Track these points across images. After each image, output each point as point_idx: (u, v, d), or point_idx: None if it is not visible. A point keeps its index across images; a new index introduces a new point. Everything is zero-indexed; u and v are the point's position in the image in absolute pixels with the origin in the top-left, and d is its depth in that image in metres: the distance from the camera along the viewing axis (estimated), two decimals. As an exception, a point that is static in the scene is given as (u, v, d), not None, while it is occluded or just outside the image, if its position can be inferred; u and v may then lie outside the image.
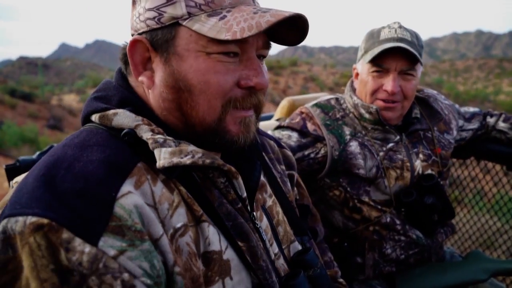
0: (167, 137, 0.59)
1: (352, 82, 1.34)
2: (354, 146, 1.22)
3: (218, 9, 0.58)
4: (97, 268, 0.48)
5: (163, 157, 0.56)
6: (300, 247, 0.77)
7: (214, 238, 0.60)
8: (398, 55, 1.15)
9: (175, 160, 0.56)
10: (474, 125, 1.43)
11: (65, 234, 0.47)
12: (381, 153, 1.24)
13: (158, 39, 0.59)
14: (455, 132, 1.37)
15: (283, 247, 0.74)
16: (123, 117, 0.60)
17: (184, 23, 0.58)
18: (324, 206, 1.32)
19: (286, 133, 1.25)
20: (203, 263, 0.58)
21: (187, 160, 0.57)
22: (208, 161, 0.58)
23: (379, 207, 1.24)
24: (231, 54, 0.59)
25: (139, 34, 0.61)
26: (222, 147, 0.64)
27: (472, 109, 1.48)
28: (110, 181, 0.53)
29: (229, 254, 0.61)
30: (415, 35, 1.20)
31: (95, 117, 0.62)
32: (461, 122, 1.42)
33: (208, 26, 0.57)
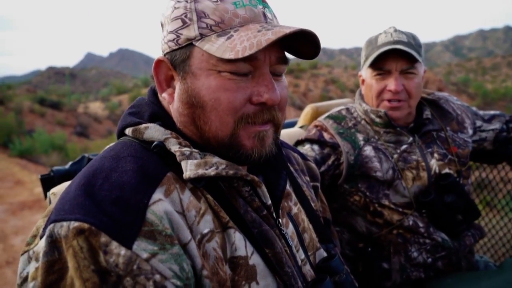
0: (193, 150, 0.63)
1: (360, 90, 1.39)
2: (368, 150, 1.26)
3: (227, 29, 0.62)
4: (131, 269, 0.51)
5: (189, 168, 0.61)
6: (325, 255, 0.78)
7: (240, 244, 0.62)
8: (396, 56, 1.22)
9: (200, 171, 0.60)
10: (495, 125, 1.42)
11: (103, 238, 0.52)
12: (395, 156, 1.26)
13: (177, 59, 0.65)
14: (470, 131, 1.37)
15: (309, 253, 0.75)
16: (153, 131, 0.65)
17: (196, 44, 0.62)
18: (347, 212, 1.33)
19: (307, 147, 1.30)
20: (230, 268, 0.61)
21: (211, 171, 0.61)
22: (231, 172, 0.62)
23: (400, 209, 1.24)
24: (241, 72, 0.61)
25: (164, 54, 0.68)
26: (237, 160, 0.65)
27: (492, 112, 1.47)
28: (143, 189, 0.57)
29: (255, 260, 0.63)
30: (411, 36, 1.26)
31: (128, 131, 0.68)
32: (479, 123, 1.41)
33: (216, 46, 0.60)
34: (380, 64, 1.23)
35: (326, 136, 1.28)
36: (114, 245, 0.51)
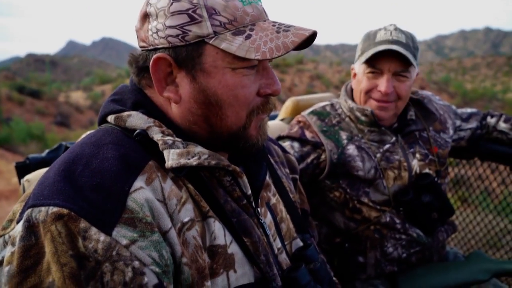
0: (176, 139, 0.63)
1: (347, 85, 1.38)
2: (351, 149, 1.26)
3: (241, 27, 0.62)
4: (110, 255, 0.52)
5: (171, 158, 0.61)
6: (301, 244, 0.81)
7: (220, 233, 0.64)
8: (391, 57, 1.19)
9: (182, 161, 0.61)
10: (472, 124, 1.45)
11: (83, 224, 0.52)
12: (378, 155, 1.27)
13: (183, 56, 0.62)
14: (451, 131, 1.40)
15: (286, 243, 0.78)
16: (136, 119, 0.64)
17: (210, 42, 0.61)
18: (326, 207, 1.35)
19: (287, 143, 1.30)
20: (208, 256, 0.62)
21: (193, 161, 0.61)
22: (213, 162, 0.63)
23: (378, 207, 1.27)
24: (252, 67, 0.64)
25: (158, 49, 0.63)
26: (245, 149, 0.69)
27: (470, 110, 1.50)
28: (124, 177, 0.57)
29: (234, 249, 0.64)
30: (410, 37, 1.23)
31: (110, 118, 0.67)
32: (458, 122, 1.45)
33: (236, 45, 0.60)
34: (374, 63, 1.21)
35: (308, 134, 1.28)
36: (94, 231, 0.52)
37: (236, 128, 0.66)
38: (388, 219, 1.26)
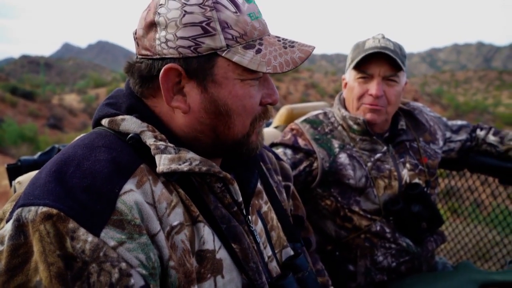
0: (169, 144, 0.64)
1: (340, 95, 1.40)
2: (343, 158, 1.27)
3: (251, 41, 0.64)
4: (98, 256, 0.52)
5: (162, 163, 0.61)
6: (292, 253, 0.81)
7: (209, 238, 0.64)
8: (381, 62, 1.23)
9: (173, 166, 0.61)
10: (462, 136, 1.48)
11: (71, 224, 0.52)
12: (369, 164, 1.28)
13: (195, 67, 0.63)
14: (441, 143, 1.42)
15: (276, 251, 0.78)
16: (130, 123, 0.65)
17: (223, 54, 0.62)
18: (317, 216, 1.36)
19: (280, 150, 1.31)
20: (196, 261, 0.62)
21: (184, 167, 0.62)
22: (204, 168, 0.63)
23: (369, 216, 1.28)
24: (257, 78, 0.66)
25: (165, 59, 0.63)
26: (245, 155, 0.71)
27: (460, 122, 1.53)
28: (115, 179, 0.57)
29: (222, 254, 0.65)
30: (398, 46, 1.27)
31: (105, 122, 0.67)
32: (448, 134, 1.47)
33: (248, 58, 0.63)
34: (364, 68, 1.24)
35: (300, 142, 1.29)
36: (82, 231, 0.52)
37: (241, 136, 0.68)
38: (378, 228, 1.27)
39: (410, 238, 1.29)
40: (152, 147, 0.62)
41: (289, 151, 1.29)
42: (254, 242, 0.71)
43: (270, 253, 0.75)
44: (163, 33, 0.63)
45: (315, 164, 1.28)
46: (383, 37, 1.27)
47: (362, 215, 1.27)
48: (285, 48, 0.66)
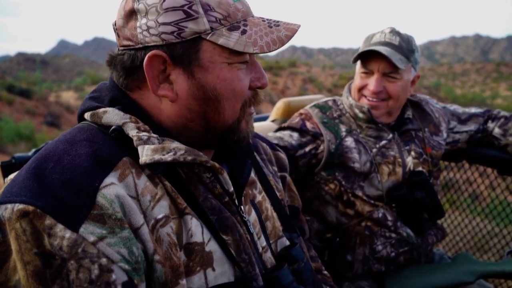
0: (152, 135, 0.62)
1: (350, 84, 1.42)
2: (349, 142, 1.30)
3: (235, 23, 0.63)
4: (76, 252, 0.51)
5: (145, 154, 0.60)
6: (287, 243, 0.80)
7: (197, 230, 0.63)
8: (380, 58, 1.25)
9: (157, 157, 0.60)
10: (470, 127, 1.45)
11: (48, 221, 0.51)
12: (374, 150, 1.31)
13: (179, 53, 0.61)
14: (445, 135, 1.42)
15: (271, 241, 0.77)
16: (112, 115, 0.63)
17: (207, 38, 0.61)
18: (319, 201, 1.36)
19: (287, 132, 1.33)
20: (185, 254, 0.61)
21: (168, 157, 0.60)
22: (189, 157, 0.62)
23: (372, 201, 1.29)
24: (245, 62, 0.65)
25: (149, 47, 0.61)
26: (236, 142, 0.70)
27: (473, 110, 1.49)
28: (95, 173, 0.56)
29: (212, 246, 0.64)
30: (406, 40, 1.27)
31: (87, 115, 0.66)
32: (453, 124, 1.45)
33: (233, 40, 0.61)
34: (366, 63, 1.29)
35: (308, 125, 1.32)
36: (59, 227, 0.51)
37: (231, 122, 0.67)
38: (380, 215, 1.28)
39: (411, 228, 1.29)
40: (134, 138, 0.61)
41: (295, 134, 1.32)
42: (248, 232, 0.70)
43: (264, 243, 0.73)
44: (144, 20, 0.61)
45: (321, 147, 1.30)
46: (391, 31, 1.28)
47: (365, 201, 1.28)
48: (271, 27, 0.65)
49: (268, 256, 0.73)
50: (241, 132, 0.69)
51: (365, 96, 1.30)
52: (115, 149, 0.61)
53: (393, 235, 1.28)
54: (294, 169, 1.31)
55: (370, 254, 1.29)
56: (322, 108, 1.37)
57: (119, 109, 0.64)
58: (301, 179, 1.43)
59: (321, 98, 1.73)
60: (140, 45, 0.62)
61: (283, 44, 0.64)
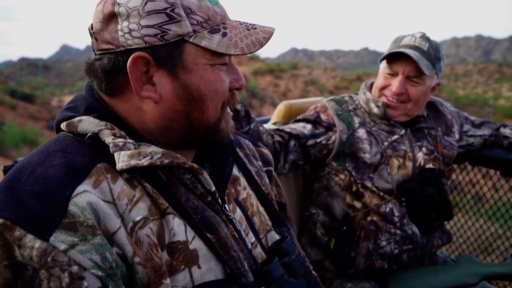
0: (128, 140, 0.63)
1: (367, 82, 1.47)
2: (361, 133, 1.33)
3: (214, 26, 0.65)
4: (45, 261, 0.52)
5: (121, 160, 0.60)
6: (277, 236, 0.80)
7: (179, 229, 0.63)
8: (407, 61, 1.27)
9: (133, 162, 0.60)
10: (484, 131, 1.48)
11: (18, 232, 0.52)
12: (386, 143, 1.33)
13: (163, 55, 0.62)
14: (457, 136, 1.45)
15: (260, 236, 0.77)
16: (87, 123, 0.64)
17: (190, 40, 0.62)
18: (327, 193, 1.38)
19: (300, 124, 1.37)
20: (167, 253, 0.62)
21: (144, 161, 0.61)
22: (166, 160, 0.62)
23: (381, 194, 1.30)
24: (225, 64, 0.67)
25: (131, 50, 0.62)
26: (217, 142, 0.72)
27: (484, 119, 1.54)
28: (67, 182, 0.57)
29: (197, 244, 0.64)
30: (435, 47, 1.29)
31: (63, 125, 0.66)
32: (467, 127, 1.48)
33: (215, 42, 0.63)
34: (392, 64, 1.31)
35: (323, 117, 1.36)
36: (29, 238, 0.52)
37: (214, 121, 0.69)
38: (387, 209, 1.28)
39: (417, 226, 1.30)
40: (110, 145, 0.61)
41: (309, 126, 1.35)
42: (235, 229, 0.70)
43: (253, 239, 0.74)
44: (125, 23, 0.61)
45: (333, 138, 1.33)
46: (421, 36, 1.30)
47: (374, 192, 1.29)
48: (249, 30, 0.67)
49: (258, 251, 0.74)
50: (222, 131, 0.71)
51: (386, 96, 1.33)
52: (89, 157, 0.62)
53: (398, 231, 1.28)
54: (304, 158, 1.34)
55: (374, 249, 1.29)
56: (339, 101, 1.40)
57: (94, 117, 0.65)
58: (310, 171, 1.45)
59: (322, 101, 1.74)
60: (122, 48, 0.62)
61: (261, 46, 0.67)
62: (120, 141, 0.62)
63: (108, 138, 0.62)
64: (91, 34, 0.66)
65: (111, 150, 0.61)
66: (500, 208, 1.79)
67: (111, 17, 0.62)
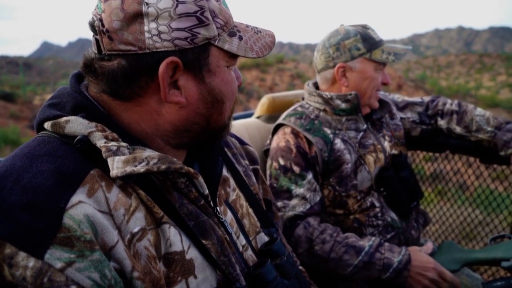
0: (121, 144, 0.58)
1: (308, 84, 1.43)
2: (339, 143, 1.30)
3: (231, 29, 0.65)
4: (41, 282, 0.47)
5: (116, 166, 0.56)
6: (266, 238, 0.80)
7: (175, 239, 0.60)
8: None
9: (128, 169, 0.56)
10: (406, 114, 1.53)
11: (8, 249, 0.47)
12: (357, 144, 1.33)
13: (191, 59, 0.61)
14: (398, 116, 1.52)
15: (250, 238, 0.76)
16: (75, 125, 0.58)
17: (215, 43, 0.63)
18: None
19: (296, 178, 1.25)
20: (164, 265, 0.59)
21: (140, 168, 0.57)
22: (164, 166, 0.59)
23: (363, 194, 1.31)
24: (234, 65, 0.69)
25: (157, 52, 0.59)
26: (222, 139, 0.74)
27: (411, 99, 1.54)
28: (60, 192, 0.52)
29: (193, 254, 0.62)
30: None
31: (47, 125, 0.60)
32: (393, 110, 1.52)
33: (235, 45, 0.64)
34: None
35: (301, 143, 1.26)
36: (21, 256, 0.47)
37: (227, 120, 0.70)
38: (368, 204, 1.29)
39: (395, 212, 1.33)
40: (103, 150, 0.56)
41: (307, 176, 1.25)
42: (226, 233, 0.69)
43: (244, 241, 0.73)
44: (153, 24, 0.58)
45: (316, 164, 1.27)
46: (373, 30, 1.34)
47: (357, 197, 1.29)
48: (257, 33, 0.69)
49: (249, 254, 0.73)
50: (229, 130, 0.73)
51: (378, 92, 1.36)
52: (81, 162, 0.56)
53: (380, 222, 1.30)
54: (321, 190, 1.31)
55: None
56: (295, 115, 1.34)
57: (83, 117, 0.59)
58: None
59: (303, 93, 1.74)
60: (147, 51, 0.58)
61: (270, 50, 0.70)
62: (113, 145, 0.57)
63: (99, 142, 0.57)
64: (100, 32, 0.59)
65: (103, 155, 0.56)
66: (480, 195, 1.83)
67: (135, 17, 0.57)
